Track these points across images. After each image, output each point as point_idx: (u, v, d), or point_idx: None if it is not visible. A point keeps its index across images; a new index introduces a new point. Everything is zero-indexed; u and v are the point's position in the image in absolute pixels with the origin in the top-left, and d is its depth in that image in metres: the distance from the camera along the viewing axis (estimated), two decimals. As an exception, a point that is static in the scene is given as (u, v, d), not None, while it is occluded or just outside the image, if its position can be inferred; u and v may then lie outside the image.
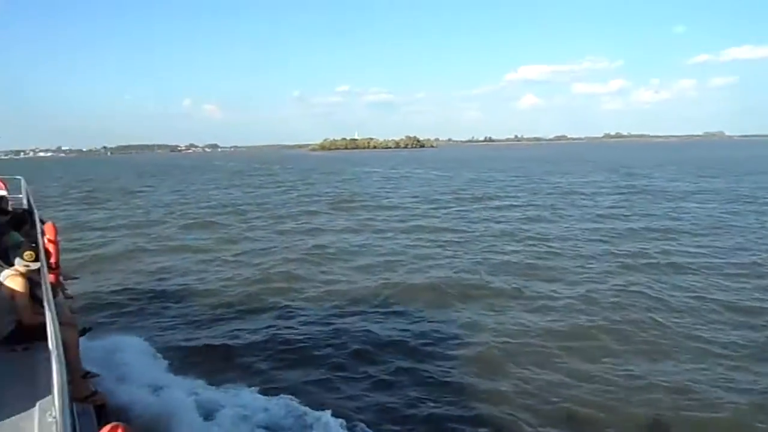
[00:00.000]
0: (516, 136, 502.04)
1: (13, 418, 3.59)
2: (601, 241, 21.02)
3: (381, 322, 12.39)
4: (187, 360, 9.92)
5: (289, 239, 22.65)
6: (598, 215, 27.76)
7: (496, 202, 34.58)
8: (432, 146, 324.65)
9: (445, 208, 32.13)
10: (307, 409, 8.10)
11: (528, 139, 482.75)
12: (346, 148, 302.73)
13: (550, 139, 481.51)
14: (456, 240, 21.90)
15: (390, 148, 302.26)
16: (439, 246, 20.67)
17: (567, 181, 50.02)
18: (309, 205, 35.16)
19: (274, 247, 21.04)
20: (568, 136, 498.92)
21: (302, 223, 27.27)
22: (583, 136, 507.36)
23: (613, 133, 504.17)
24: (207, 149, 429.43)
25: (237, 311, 13.25)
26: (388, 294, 14.35)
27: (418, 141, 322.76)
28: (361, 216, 29.45)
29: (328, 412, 7.92)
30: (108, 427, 2.14)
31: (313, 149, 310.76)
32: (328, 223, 27.05)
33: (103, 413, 5.52)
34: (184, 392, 8.21)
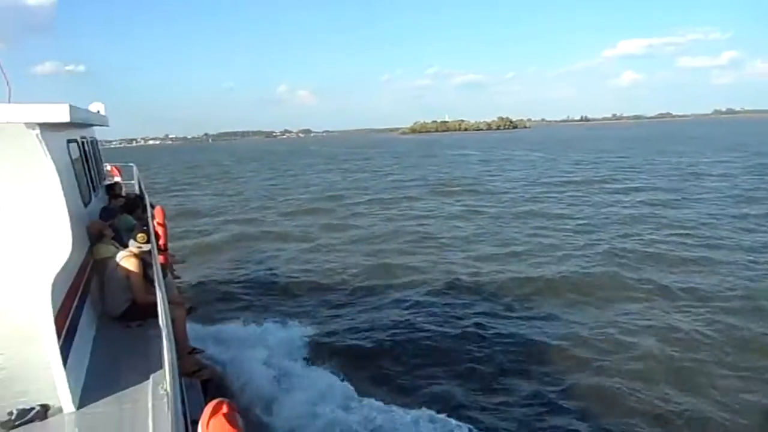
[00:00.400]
0: (614, 115, 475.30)
1: (130, 389, 3.82)
2: (755, 228, 18.25)
3: (513, 320, 11.21)
4: (292, 344, 9.94)
5: (395, 226, 21.87)
6: (740, 199, 24.48)
7: (614, 185, 31.73)
8: (525, 127, 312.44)
9: (558, 192, 29.89)
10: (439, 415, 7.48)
11: (628, 118, 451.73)
12: (437, 131, 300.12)
13: (652, 117, 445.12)
14: (580, 227, 19.97)
15: (481, 129, 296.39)
16: (564, 234, 18.97)
17: (687, 161, 44.95)
18: (409, 189, 34.01)
19: (381, 234, 20.51)
20: (673, 114, 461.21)
21: (405, 209, 26.38)
22: (689, 113, 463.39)
23: (724, 109, 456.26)
24: (300, 134, 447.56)
25: (347, 301, 12.79)
26: (518, 288, 13.04)
27: (511, 122, 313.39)
28: (467, 201, 28.12)
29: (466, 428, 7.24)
30: (214, 402, 2.15)
31: (404, 133, 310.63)
32: (435, 209, 26.05)
33: (209, 387, 5.83)
34: (284, 371, 8.44)
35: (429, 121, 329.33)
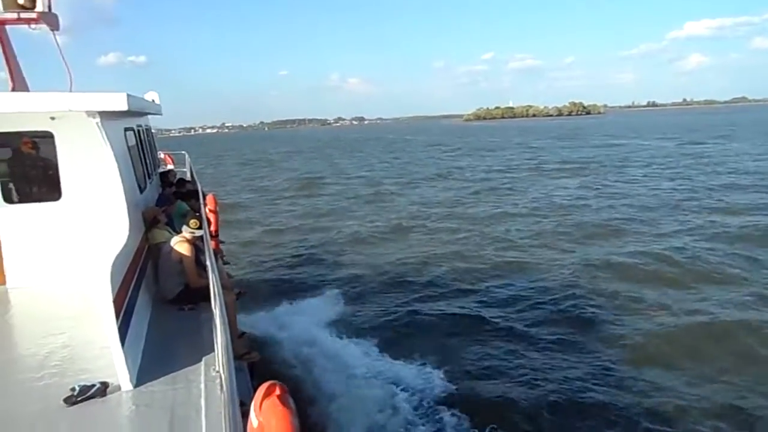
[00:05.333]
0: (684, 99, 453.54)
1: (184, 370, 3.94)
2: None
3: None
4: (342, 328, 10.04)
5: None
6: None
7: None
8: (599, 113, 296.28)
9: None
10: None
11: (698, 102, 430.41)
12: (503, 117, 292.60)
13: (726, 102, 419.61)
14: None
15: (551, 116, 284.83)
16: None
17: None
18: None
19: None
20: (749, 98, 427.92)
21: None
22: (766, 97, 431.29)
23: None
24: (354, 122, 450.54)
25: (410, 287, 12.94)
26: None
27: (584, 107, 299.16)
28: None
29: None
30: (267, 384, 2.19)
31: (468, 119, 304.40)
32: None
33: (256, 370, 5.96)
34: (332, 355, 8.55)
35: (492, 107, 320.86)
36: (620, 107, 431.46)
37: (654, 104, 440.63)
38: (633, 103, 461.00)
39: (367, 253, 16.33)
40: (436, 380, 8.12)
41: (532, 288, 12.42)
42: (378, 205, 25.52)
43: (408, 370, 8.36)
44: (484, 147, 65.81)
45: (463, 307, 11.42)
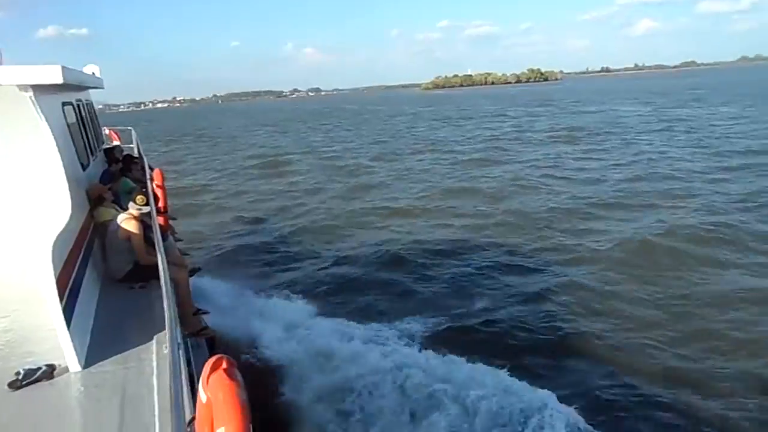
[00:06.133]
0: (636, 65, 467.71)
1: (135, 349, 3.89)
2: None
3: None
4: (293, 297, 10.17)
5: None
6: None
7: None
8: (556, 79, 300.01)
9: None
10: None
11: (650, 67, 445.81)
12: (462, 85, 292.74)
13: (676, 66, 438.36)
14: None
15: (510, 83, 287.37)
16: None
17: None
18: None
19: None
20: (697, 62, 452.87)
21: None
22: (713, 61, 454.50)
23: (752, 55, 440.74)
24: (310, 93, 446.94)
25: (349, 254, 13.06)
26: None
27: (542, 74, 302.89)
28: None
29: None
30: (214, 358, 2.18)
31: (427, 88, 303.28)
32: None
33: (214, 346, 5.93)
34: (285, 327, 8.61)
35: (450, 75, 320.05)
36: (575, 73, 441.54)
37: (608, 69, 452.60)
38: (587, 69, 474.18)
39: (336, 233, 15.67)
40: (391, 342, 8.26)
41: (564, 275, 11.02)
42: (363, 185, 22.44)
43: (361, 333, 8.51)
44: (462, 116, 62.83)
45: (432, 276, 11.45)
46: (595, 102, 70.42)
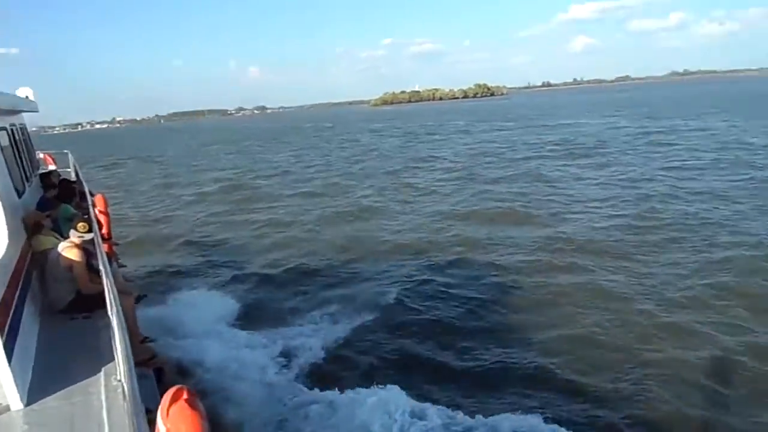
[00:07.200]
0: (575, 80, 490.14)
1: (82, 382, 3.73)
2: None
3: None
4: (244, 319, 10.06)
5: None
6: None
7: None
8: (502, 94, 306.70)
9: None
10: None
11: (589, 82, 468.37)
12: (410, 101, 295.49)
13: (612, 81, 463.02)
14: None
15: (457, 98, 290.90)
16: None
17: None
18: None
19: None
20: (632, 77, 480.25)
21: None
22: (645, 75, 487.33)
23: (681, 70, 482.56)
24: (256, 111, 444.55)
25: (305, 277, 12.93)
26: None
27: (489, 89, 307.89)
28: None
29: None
30: (173, 389, 2.12)
31: (375, 104, 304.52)
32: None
33: (163, 375, 5.76)
34: (238, 349, 8.44)
35: (398, 91, 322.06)
36: (518, 88, 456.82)
37: (549, 84, 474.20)
38: (529, 83, 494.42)
39: (295, 251, 15.33)
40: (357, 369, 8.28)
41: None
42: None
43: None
44: (426, 131, 60.76)
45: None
46: (558, 116, 70.85)
